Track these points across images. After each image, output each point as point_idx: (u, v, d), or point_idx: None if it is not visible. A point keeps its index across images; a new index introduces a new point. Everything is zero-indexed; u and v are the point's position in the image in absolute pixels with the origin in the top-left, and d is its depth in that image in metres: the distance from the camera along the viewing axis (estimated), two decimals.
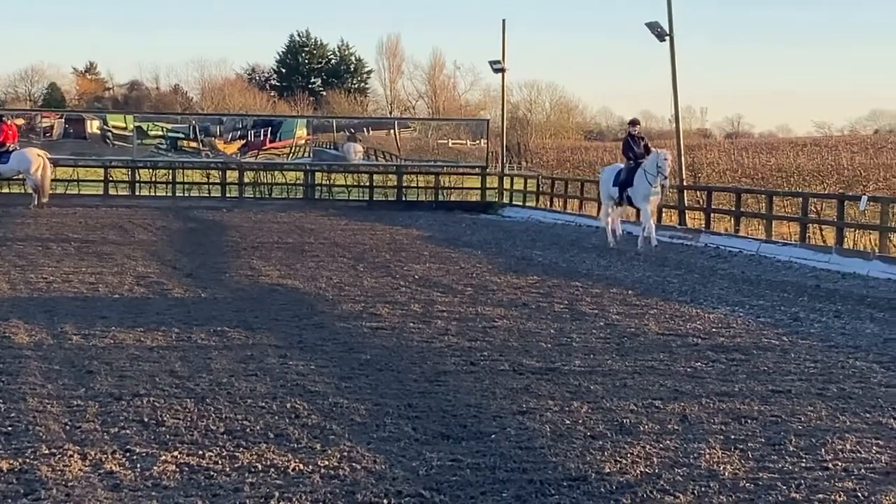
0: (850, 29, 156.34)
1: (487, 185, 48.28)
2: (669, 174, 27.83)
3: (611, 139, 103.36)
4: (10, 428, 9.23)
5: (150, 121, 50.78)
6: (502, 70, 50.41)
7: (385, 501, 7.57)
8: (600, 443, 9.16)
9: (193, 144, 48.21)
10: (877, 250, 26.33)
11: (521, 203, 45.88)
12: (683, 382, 11.67)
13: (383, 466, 8.35)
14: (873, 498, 7.85)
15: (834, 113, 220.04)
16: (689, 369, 12.41)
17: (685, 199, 36.85)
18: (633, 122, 30.32)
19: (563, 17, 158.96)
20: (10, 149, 39.81)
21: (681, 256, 26.68)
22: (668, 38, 37.38)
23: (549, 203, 44.93)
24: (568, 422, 9.85)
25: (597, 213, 34.24)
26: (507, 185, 48.63)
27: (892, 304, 18.40)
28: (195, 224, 34.45)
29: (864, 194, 29.04)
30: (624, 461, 8.62)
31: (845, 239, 28.09)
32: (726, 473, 8.35)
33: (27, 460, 8.29)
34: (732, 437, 9.43)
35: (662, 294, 18.99)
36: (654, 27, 37.47)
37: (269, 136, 48.47)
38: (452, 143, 51.10)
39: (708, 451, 8.94)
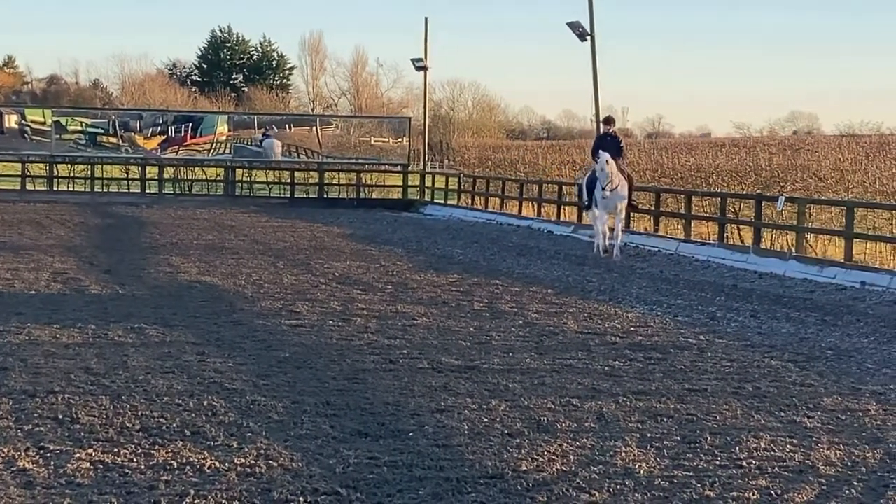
0: (770, 32, 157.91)
1: (409, 183, 48.30)
2: (614, 181, 26.15)
3: (532, 138, 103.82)
4: None
5: (69, 115, 50.48)
6: (424, 68, 50.43)
7: (301, 499, 7.54)
8: (517, 441, 9.18)
9: (113, 140, 47.93)
10: (793, 250, 26.59)
11: (442, 201, 45.94)
12: (601, 381, 11.73)
13: (300, 464, 8.32)
14: (786, 496, 7.93)
15: (753, 114, 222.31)
16: (606, 368, 12.47)
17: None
18: (606, 121, 28.50)
19: (485, 17, 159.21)
20: None
21: (601, 255, 26.79)
22: (589, 37, 37.60)
23: (470, 201, 44.98)
24: (486, 420, 9.87)
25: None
26: (428, 182, 48.65)
27: (808, 304, 18.61)
28: (114, 220, 34.18)
29: (782, 195, 29.26)
30: (541, 459, 8.64)
31: (763, 239, 28.32)
32: (642, 471, 8.40)
33: None
34: (648, 435, 9.50)
35: (581, 293, 19.08)
36: (575, 27, 37.68)
37: (189, 131, 48.31)
38: (374, 141, 51.10)
39: (624, 449, 8.99)
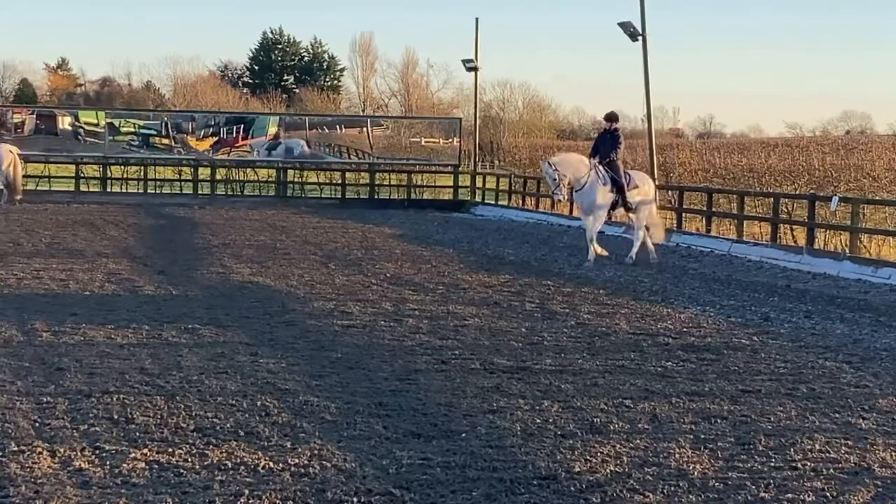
0: (823, 31, 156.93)
1: (460, 184, 48.30)
2: (565, 181, 24.03)
3: (583, 138, 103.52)
4: None
5: (122, 117, 50.74)
6: (475, 69, 50.38)
7: (355, 500, 7.56)
8: (570, 442, 9.17)
9: (165, 141, 48.19)
10: (847, 251, 26.42)
11: (493, 202, 45.88)
12: (654, 382, 11.69)
13: (353, 465, 8.34)
14: (841, 498, 7.88)
15: (805, 114, 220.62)
16: (659, 369, 12.43)
17: (657, 198, 36.87)
18: (608, 118, 26.35)
19: (536, 17, 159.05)
20: None
21: None
22: (640, 38, 37.44)
23: (521, 202, 44.90)
24: (538, 421, 9.86)
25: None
26: (479, 183, 48.59)
27: (862, 305, 18.48)
28: (166, 221, 34.36)
29: (835, 195, 29.10)
30: (594, 460, 8.63)
31: (816, 239, 28.17)
32: (696, 473, 8.37)
33: None
34: (702, 436, 9.46)
35: (633, 293, 19.03)
36: (626, 27, 37.52)
37: (241, 133, 48.43)
38: (425, 142, 51.12)
39: (678, 450, 8.96)
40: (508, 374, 11.88)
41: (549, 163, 24.53)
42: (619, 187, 24.52)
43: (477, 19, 49.71)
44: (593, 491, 7.90)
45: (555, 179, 24.18)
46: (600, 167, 24.47)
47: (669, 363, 12.77)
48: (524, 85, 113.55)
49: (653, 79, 38.27)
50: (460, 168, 49.42)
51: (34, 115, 49.70)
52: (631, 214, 25.43)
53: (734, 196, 33.85)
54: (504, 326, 15.13)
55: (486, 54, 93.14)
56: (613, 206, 24.89)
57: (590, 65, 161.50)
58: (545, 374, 11.97)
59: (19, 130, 47.73)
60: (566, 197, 24.88)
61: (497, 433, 9.41)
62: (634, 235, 25.42)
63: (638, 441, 9.25)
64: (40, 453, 8.38)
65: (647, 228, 25.42)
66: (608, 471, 8.38)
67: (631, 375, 12.01)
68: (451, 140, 50.71)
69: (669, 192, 39.36)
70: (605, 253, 24.46)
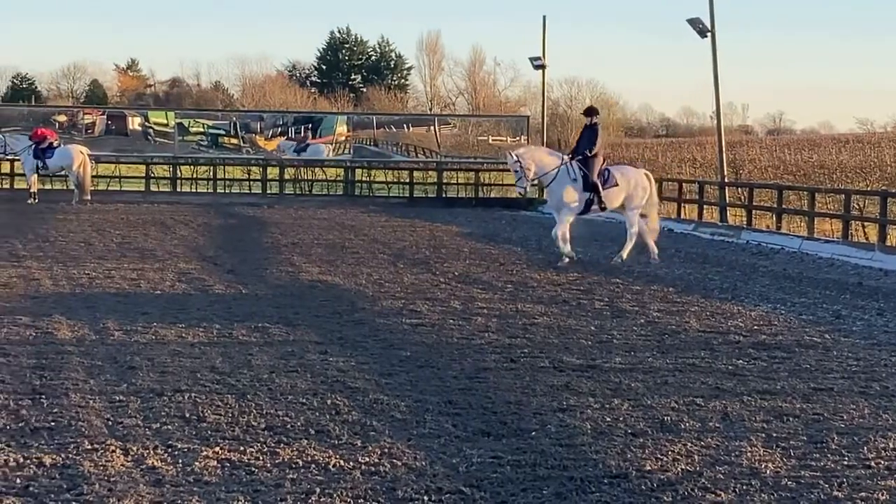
0: (894, 24, 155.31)
1: None
2: (529, 174, 23.11)
3: (651, 136, 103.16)
4: (52, 423, 9.27)
5: (192, 117, 51.07)
6: (542, 66, 50.32)
7: (425, 498, 7.57)
8: (641, 440, 9.13)
9: (234, 141, 48.46)
10: None
11: None
12: (725, 380, 11.62)
13: (424, 463, 8.35)
14: None
15: (877, 109, 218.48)
16: (730, 367, 12.35)
17: (726, 195, 36.66)
18: (586, 112, 24.95)
19: (603, 13, 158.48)
20: (54, 145, 40.14)
21: (722, 253, 26.61)
22: (709, 34, 37.25)
23: None
24: (608, 419, 9.83)
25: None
26: None
27: None
28: (236, 220, 34.57)
29: None
30: (665, 459, 8.59)
31: (888, 236, 27.91)
32: (768, 471, 8.32)
33: (70, 455, 8.33)
34: (774, 434, 9.39)
35: (703, 291, 18.92)
36: (695, 23, 37.36)
37: (309, 132, 48.59)
38: (492, 140, 51.04)
39: (749, 449, 8.90)
40: (578, 373, 11.85)
41: (512, 154, 23.86)
42: (591, 185, 23.20)
43: (545, 17, 49.78)
44: (664, 490, 7.86)
45: (517, 171, 23.35)
46: (572, 164, 23.28)
47: (740, 361, 12.69)
48: (592, 82, 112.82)
49: (722, 75, 38.01)
50: None
51: (105, 116, 50.11)
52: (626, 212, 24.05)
53: (804, 193, 33.63)
54: (573, 324, 15.10)
55: (554, 51, 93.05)
56: (588, 206, 23.46)
57: (658, 61, 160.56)
58: (615, 372, 11.93)
59: (90, 131, 48.18)
60: (528, 189, 24.05)
61: (567, 431, 9.39)
62: (627, 234, 23.96)
63: (709, 439, 9.20)
64: (113, 451, 8.44)
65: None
66: (679, 469, 8.34)
67: (702, 374, 11.94)
68: (518, 138, 50.61)
69: (739, 190, 39.11)
70: (570, 254, 23.06)
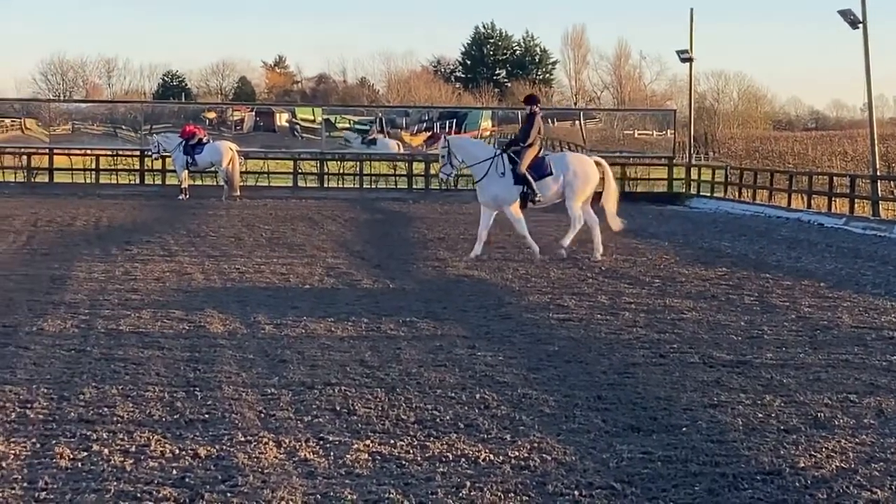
0: None
1: (674, 176, 47.94)
2: (452, 159, 22.49)
3: (800, 129, 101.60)
4: (206, 415, 9.42)
5: (338, 113, 51.55)
6: (690, 59, 49.91)
7: (576, 493, 7.55)
8: (794, 437, 9.00)
9: (380, 137, 48.73)
10: None
11: (708, 194, 45.42)
12: (879, 376, 11.41)
13: (573, 458, 8.33)
14: None
15: None
16: (884, 363, 12.12)
17: (879, 189, 36.02)
18: (525, 100, 24.09)
19: (752, 5, 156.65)
20: (204, 141, 40.83)
21: (874, 248, 26.12)
22: (860, 25, 36.62)
23: (737, 194, 44.36)
24: (760, 415, 9.71)
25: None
26: (694, 175, 48.16)
27: None
28: (382, 215, 34.82)
29: None
30: (819, 456, 8.46)
31: None
32: None
33: (224, 447, 8.45)
34: None
35: (855, 287, 18.58)
36: (846, 15, 36.78)
37: (454, 127, 48.74)
38: (638, 134, 50.78)
39: None
40: (728, 368, 11.72)
41: (444, 139, 23.51)
42: (521, 177, 22.19)
43: (692, 9, 49.35)
44: (819, 487, 7.74)
45: (443, 157, 22.70)
46: (502, 157, 22.39)
47: (895, 357, 12.44)
48: (739, 75, 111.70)
49: (873, 66, 37.35)
50: (675, 160, 48.98)
51: (253, 113, 50.81)
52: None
53: None
54: (722, 320, 14.94)
55: (701, 44, 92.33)
56: (524, 199, 22.43)
57: (806, 53, 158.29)
58: (766, 368, 11.77)
59: (239, 128, 48.90)
60: (452, 177, 23.60)
61: (718, 427, 9.29)
62: (571, 226, 22.77)
63: (864, 436, 9.04)
64: (266, 444, 8.55)
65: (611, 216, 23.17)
66: (834, 466, 8.20)
67: (855, 370, 11.73)
68: (664, 132, 50.29)
69: (892, 183, 38.40)
70: (537, 256, 22.15)
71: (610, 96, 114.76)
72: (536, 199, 22.33)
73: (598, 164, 23.18)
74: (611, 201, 23.10)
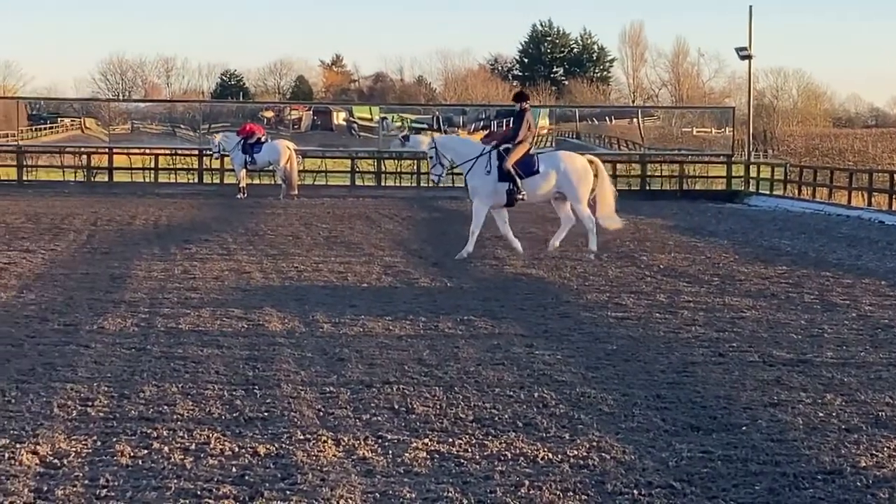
0: None
1: (733, 174, 47.68)
2: (440, 159, 22.49)
3: (860, 126, 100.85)
4: (266, 414, 9.46)
5: (395, 112, 51.58)
6: (748, 57, 49.66)
7: (635, 492, 7.52)
8: (855, 436, 8.94)
9: (437, 135, 48.74)
10: None
11: (767, 192, 45.14)
12: None
13: (633, 457, 8.30)
14: None
15: None
16: None
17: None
18: (514, 97, 23.99)
19: (811, 1, 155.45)
20: (262, 140, 40.99)
21: None
22: None
23: (797, 192, 44.08)
24: (821, 414, 9.64)
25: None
26: (753, 173, 47.90)
27: None
28: (440, 214, 34.86)
29: None
30: (880, 455, 8.40)
31: None
32: None
33: (283, 445, 8.49)
34: None
35: None
36: None
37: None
38: (697, 132, 50.54)
39: None
40: (789, 367, 11.65)
41: (431, 139, 23.36)
42: (506, 174, 21.98)
43: (751, 7, 49.17)
44: (881, 486, 7.68)
45: (431, 158, 22.73)
46: (491, 154, 22.21)
47: None
48: (798, 72, 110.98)
49: None
50: (733, 158, 48.74)
51: (311, 112, 50.99)
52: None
53: None
54: (782, 318, 14.84)
55: (760, 41, 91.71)
56: (510, 196, 22.18)
57: (867, 50, 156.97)
58: (826, 366, 11.69)
59: (296, 126, 49.08)
60: (442, 178, 23.37)
61: (778, 427, 9.23)
62: (587, 231, 22.51)
63: None
64: (325, 442, 8.57)
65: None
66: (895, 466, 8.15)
67: None
68: (723, 129, 50.04)
69: None
70: (466, 253, 21.75)
71: (668, 94, 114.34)
72: (520, 195, 22.15)
73: (591, 162, 23.06)
74: (606, 201, 22.92)
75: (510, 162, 21.98)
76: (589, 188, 22.62)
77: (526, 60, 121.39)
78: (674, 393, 10.41)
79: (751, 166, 48.82)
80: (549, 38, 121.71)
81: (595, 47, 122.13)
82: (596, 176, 22.75)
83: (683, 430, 9.08)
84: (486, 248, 23.60)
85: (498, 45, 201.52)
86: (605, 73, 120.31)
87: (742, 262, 21.42)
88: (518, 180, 22.01)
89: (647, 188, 47.21)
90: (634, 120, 50.47)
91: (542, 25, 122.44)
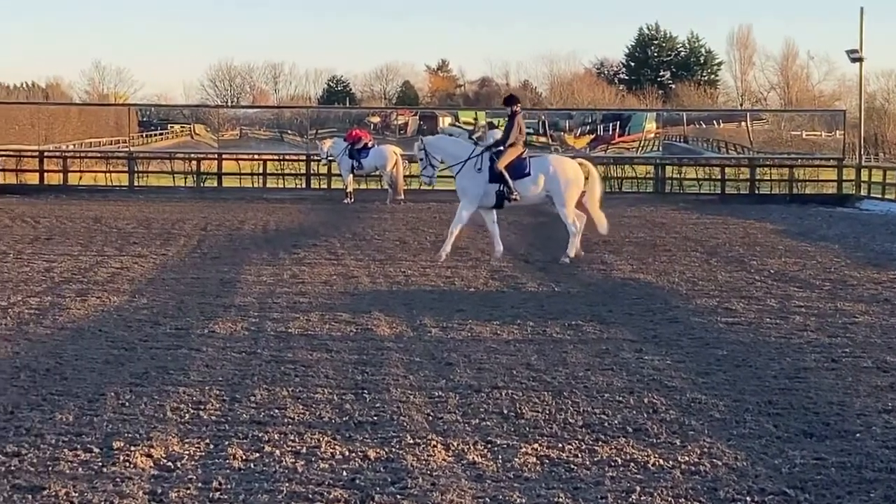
0: None
1: (844, 178, 47.06)
2: (431, 160, 22.44)
3: None
4: (375, 418, 9.50)
5: (500, 116, 51.57)
6: (860, 59, 49.02)
7: (748, 499, 7.45)
8: None
9: (543, 139, 48.71)
10: None
11: (879, 196, 44.48)
12: None
13: (745, 463, 8.22)
14: None
15: None
16: None
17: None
18: (504, 101, 23.90)
19: None
20: (369, 145, 41.17)
21: None
22: None
23: None
24: None
25: None
26: (864, 177, 47.24)
27: None
28: (545, 218, 34.67)
29: None
30: None
31: None
32: None
33: (393, 450, 8.51)
34: None
35: None
36: None
37: (618, 130, 48.48)
38: (806, 135, 49.92)
39: None
40: None
41: (420, 140, 23.18)
42: (498, 175, 21.90)
43: (862, 8, 48.45)
44: None
45: (421, 160, 22.55)
46: (483, 155, 22.16)
47: None
48: None
49: None
50: (844, 161, 48.13)
51: (417, 116, 51.10)
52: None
53: None
54: None
55: (871, 43, 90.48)
56: (500, 198, 22.14)
57: None
58: None
59: (403, 131, 49.19)
60: (433, 180, 22.92)
61: (894, 433, 9.09)
62: (569, 235, 22.37)
63: None
64: (435, 446, 8.58)
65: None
66: None
67: None
68: (833, 133, 49.40)
69: None
70: (444, 254, 21.91)
71: (776, 97, 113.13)
72: (513, 197, 22.09)
73: (581, 164, 22.98)
74: (594, 203, 22.81)
75: (502, 163, 21.97)
76: (577, 193, 22.56)
77: (632, 64, 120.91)
78: (786, 399, 10.29)
79: (862, 170, 48.17)
80: (655, 42, 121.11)
81: (702, 50, 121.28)
82: (587, 179, 22.70)
83: (796, 437, 8.97)
84: (594, 252, 23.52)
85: (604, 49, 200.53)
86: (712, 76, 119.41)
87: (854, 267, 21.13)
88: (510, 182, 22.00)
89: (756, 192, 46.80)
90: (743, 123, 49.95)
91: (648, 29, 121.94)
